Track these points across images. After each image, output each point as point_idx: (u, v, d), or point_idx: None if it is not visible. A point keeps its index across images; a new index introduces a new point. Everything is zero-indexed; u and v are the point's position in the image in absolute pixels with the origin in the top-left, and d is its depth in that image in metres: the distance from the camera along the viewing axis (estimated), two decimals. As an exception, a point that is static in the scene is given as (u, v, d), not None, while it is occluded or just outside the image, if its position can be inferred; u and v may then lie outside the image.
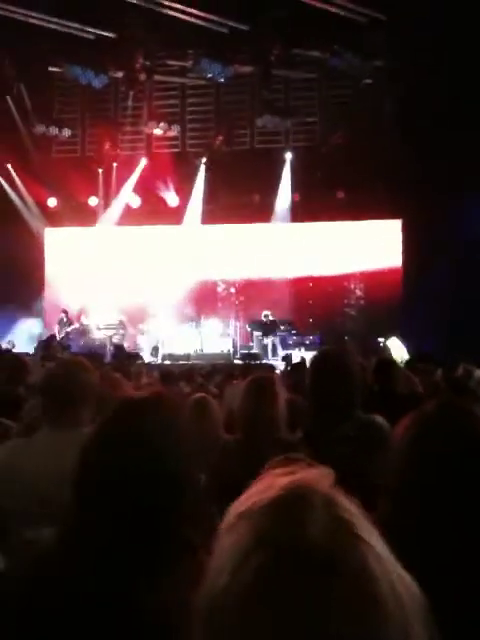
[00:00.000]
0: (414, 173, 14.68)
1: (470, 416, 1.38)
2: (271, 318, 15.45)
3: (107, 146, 16.93)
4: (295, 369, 5.95)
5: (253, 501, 0.66)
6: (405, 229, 16.72)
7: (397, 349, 13.49)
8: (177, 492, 1.28)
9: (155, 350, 15.58)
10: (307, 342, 15.39)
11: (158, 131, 16.31)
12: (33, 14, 14.13)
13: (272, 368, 7.95)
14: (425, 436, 1.37)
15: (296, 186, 16.90)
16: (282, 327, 15.43)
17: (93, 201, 17.39)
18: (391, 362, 4.99)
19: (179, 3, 13.97)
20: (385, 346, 13.84)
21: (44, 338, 14.80)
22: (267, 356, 14.99)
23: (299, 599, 0.57)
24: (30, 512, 1.97)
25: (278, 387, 3.06)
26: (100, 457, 1.29)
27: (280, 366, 11.67)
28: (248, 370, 7.08)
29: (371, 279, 17.09)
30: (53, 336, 15.12)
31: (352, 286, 17.43)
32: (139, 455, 1.27)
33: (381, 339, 14.39)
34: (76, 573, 1.22)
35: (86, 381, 2.37)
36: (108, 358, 15.18)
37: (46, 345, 14.11)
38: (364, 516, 0.66)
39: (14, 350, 13.70)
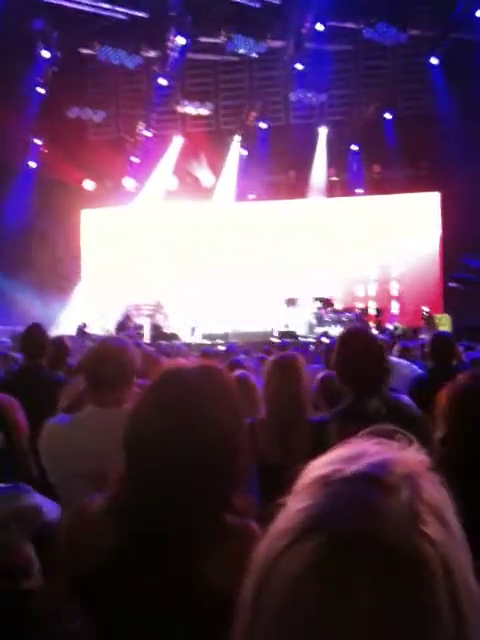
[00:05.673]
0: (453, 144, 14.35)
1: None
2: (309, 295, 15.37)
3: (141, 126, 16.93)
4: (331, 347, 5.89)
5: (335, 468, 0.61)
6: (444, 202, 16.39)
7: (445, 325, 13.37)
8: (224, 459, 1.30)
9: (193, 330, 15.64)
10: (344, 319, 15.26)
11: (191, 110, 16.24)
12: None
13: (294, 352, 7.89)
14: (468, 405, 1.43)
15: (331, 161, 16.70)
16: (320, 304, 15.32)
17: (128, 182, 17.45)
18: (448, 338, 4.92)
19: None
20: (431, 316, 13.70)
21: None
22: (305, 334, 14.92)
23: (344, 597, 0.53)
24: (76, 488, 2.01)
25: (301, 366, 3.09)
26: (149, 421, 1.31)
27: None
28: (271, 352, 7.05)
29: (410, 254, 16.84)
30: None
31: (391, 261, 17.21)
32: (185, 419, 1.28)
33: (425, 308, 14.26)
34: (124, 535, 1.26)
35: (127, 359, 2.39)
36: (147, 339, 15.30)
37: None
38: (451, 509, 0.61)
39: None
